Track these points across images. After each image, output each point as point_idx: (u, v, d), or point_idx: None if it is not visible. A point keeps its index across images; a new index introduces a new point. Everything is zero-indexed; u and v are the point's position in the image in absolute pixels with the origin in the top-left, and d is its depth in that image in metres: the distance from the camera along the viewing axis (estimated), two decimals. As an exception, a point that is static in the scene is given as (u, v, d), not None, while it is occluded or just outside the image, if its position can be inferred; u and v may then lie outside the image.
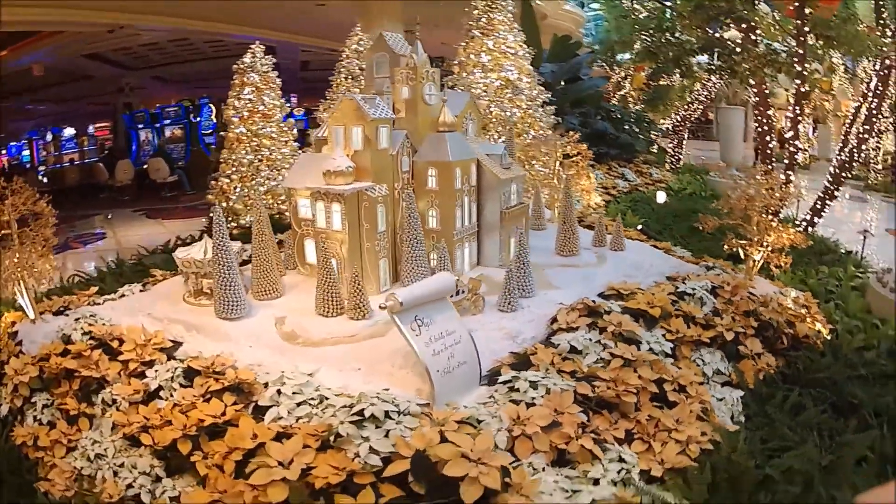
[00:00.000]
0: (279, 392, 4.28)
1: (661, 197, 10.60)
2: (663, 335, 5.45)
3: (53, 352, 5.11)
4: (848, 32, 7.03)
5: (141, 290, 6.71)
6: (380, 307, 4.51)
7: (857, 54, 7.74)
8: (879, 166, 17.95)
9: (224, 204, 9.70)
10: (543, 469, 3.80)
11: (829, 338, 6.30)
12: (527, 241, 6.13)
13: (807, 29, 6.77)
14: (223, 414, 4.10)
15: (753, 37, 7.73)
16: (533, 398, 4.31)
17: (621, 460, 3.92)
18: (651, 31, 12.00)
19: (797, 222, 9.10)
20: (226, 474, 3.70)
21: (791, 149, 8.06)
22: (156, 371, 4.77)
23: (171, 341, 5.17)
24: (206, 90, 23.70)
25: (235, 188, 9.71)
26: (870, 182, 17.25)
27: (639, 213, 10.45)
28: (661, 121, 16.92)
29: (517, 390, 4.40)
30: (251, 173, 9.73)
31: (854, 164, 8.48)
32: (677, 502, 3.58)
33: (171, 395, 4.52)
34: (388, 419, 3.94)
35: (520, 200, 6.99)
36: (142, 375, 4.81)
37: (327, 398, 4.24)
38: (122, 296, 6.56)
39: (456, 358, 4.58)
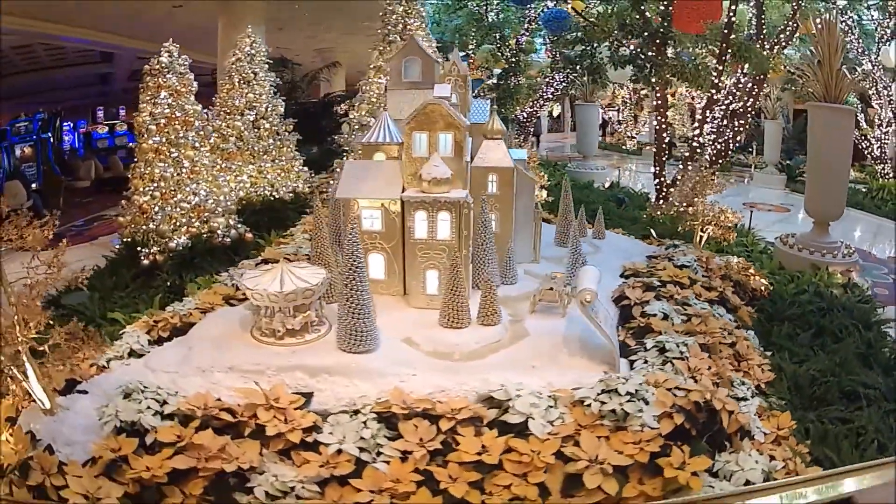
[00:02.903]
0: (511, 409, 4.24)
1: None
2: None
3: (121, 452, 3.95)
4: (758, 53, 8.83)
5: (151, 342, 5.61)
6: (583, 302, 4.71)
7: (760, 71, 9.63)
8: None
9: (145, 226, 8.32)
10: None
11: (772, 289, 7.88)
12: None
13: (728, 49, 8.47)
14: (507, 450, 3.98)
15: (664, 50, 9.17)
16: (682, 351, 5.17)
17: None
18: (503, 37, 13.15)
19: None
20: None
21: (696, 146, 9.72)
22: (330, 433, 4.13)
23: (300, 394, 4.51)
24: (44, 104, 19.19)
25: (156, 207, 8.37)
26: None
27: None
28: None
29: (666, 349, 5.19)
30: (172, 189, 8.48)
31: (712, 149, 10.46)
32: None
33: (376, 458, 3.98)
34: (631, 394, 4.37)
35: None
36: (304, 446, 4.10)
37: (557, 397, 4.44)
38: (132, 353, 5.39)
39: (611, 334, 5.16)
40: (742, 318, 6.85)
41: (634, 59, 9.20)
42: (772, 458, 4.35)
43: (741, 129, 9.89)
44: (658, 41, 9.05)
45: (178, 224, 8.53)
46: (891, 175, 14.96)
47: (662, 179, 10.81)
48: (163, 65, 8.36)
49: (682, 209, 8.56)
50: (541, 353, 5.10)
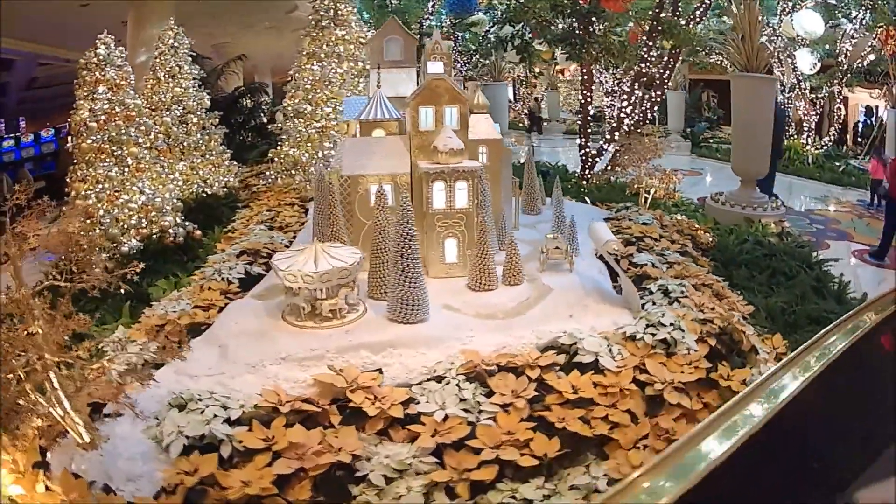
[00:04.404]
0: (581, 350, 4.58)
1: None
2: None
3: (201, 473, 3.53)
4: (686, 31, 9.66)
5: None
6: (609, 252, 5.10)
7: (685, 45, 10.46)
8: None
9: (92, 232, 7.71)
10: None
11: (716, 241, 8.77)
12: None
13: (658, 27, 9.28)
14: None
15: (593, 29, 9.80)
16: (682, 291, 5.73)
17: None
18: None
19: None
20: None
21: (623, 116, 10.52)
22: (427, 402, 4.12)
23: (374, 371, 4.47)
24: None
25: (101, 210, 7.79)
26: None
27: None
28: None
29: (670, 292, 5.71)
30: (116, 189, 7.92)
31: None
32: None
33: (479, 417, 4.04)
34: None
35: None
36: (403, 422, 4.05)
37: (608, 336, 4.85)
38: (147, 363, 4.74)
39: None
40: (704, 266, 7.61)
41: (566, 38, 9.78)
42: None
43: (657, 99, 10.78)
44: (587, 20, 9.68)
45: (126, 226, 8.00)
46: (795, 136, 16.74)
47: (588, 150, 11.51)
48: (100, 57, 7.78)
49: (625, 174, 9.27)
50: (570, 303, 5.44)
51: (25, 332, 3.42)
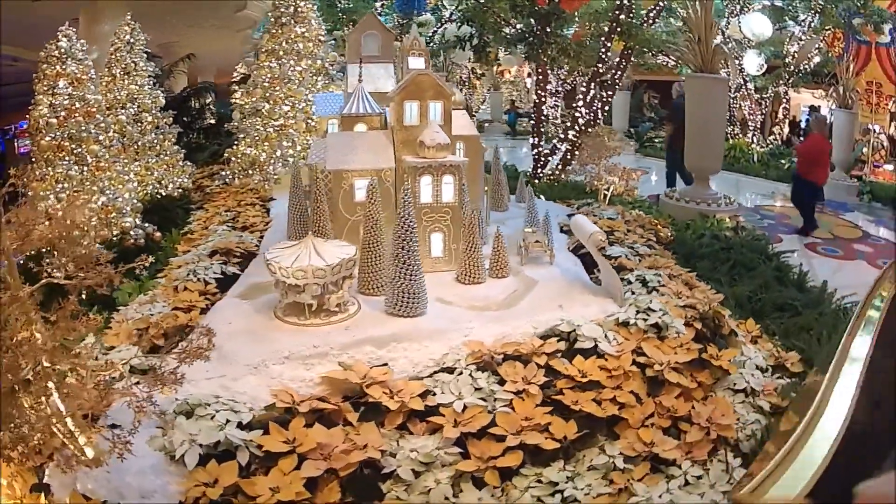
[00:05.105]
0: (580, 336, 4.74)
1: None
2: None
3: (224, 483, 3.44)
4: (645, 32, 9.99)
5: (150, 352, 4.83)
6: (596, 242, 5.29)
7: (642, 47, 10.78)
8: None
9: (50, 234, 7.33)
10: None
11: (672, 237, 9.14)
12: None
13: (618, 28, 9.60)
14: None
15: (550, 29, 10.03)
16: (659, 281, 6.01)
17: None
18: None
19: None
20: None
21: (577, 116, 10.82)
22: (440, 391, 4.16)
23: (379, 366, 4.44)
24: None
25: (60, 212, 7.41)
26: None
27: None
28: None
29: (647, 282, 6.00)
30: (76, 189, 7.57)
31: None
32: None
33: (495, 405, 4.11)
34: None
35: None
36: (420, 415, 4.08)
37: (601, 323, 5.03)
38: (134, 370, 4.45)
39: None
40: (667, 258, 7.90)
41: (524, 38, 9.99)
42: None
43: (609, 99, 11.14)
44: (546, 21, 9.91)
45: (85, 228, 7.64)
46: (740, 135, 17.48)
47: (540, 150, 11.78)
48: (62, 51, 7.41)
49: (581, 171, 9.57)
50: (558, 294, 5.58)
51: (20, 336, 3.12)
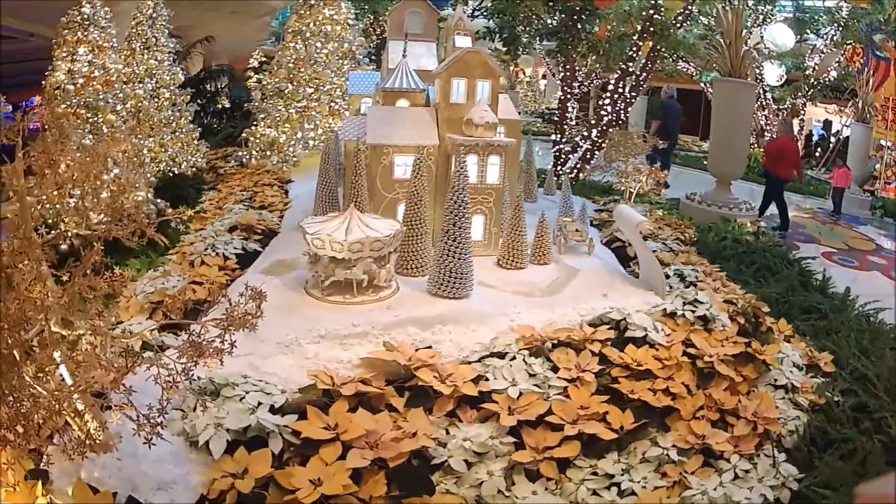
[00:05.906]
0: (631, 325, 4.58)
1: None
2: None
3: (255, 474, 3.05)
4: (675, 35, 9.88)
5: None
6: (643, 231, 5.14)
7: (673, 49, 10.65)
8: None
9: (59, 205, 7.09)
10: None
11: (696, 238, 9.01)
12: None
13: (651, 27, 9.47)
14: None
15: (582, 26, 9.90)
16: (696, 276, 6.01)
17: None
18: None
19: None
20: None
21: (603, 114, 10.70)
22: (492, 376, 3.94)
23: (424, 348, 4.23)
24: None
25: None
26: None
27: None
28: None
29: (685, 276, 6.01)
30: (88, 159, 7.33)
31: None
32: None
33: (549, 390, 3.95)
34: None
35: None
36: (472, 401, 3.84)
37: (651, 313, 4.88)
38: (146, 346, 3.98)
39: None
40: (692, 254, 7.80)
41: (557, 32, 9.84)
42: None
43: (633, 100, 11.02)
44: (578, 16, 9.79)
45: (95, 199, 7.41)
46: (755, 145, 17.32)
47: (562, 147, 11.64)
48: (84, 16, 7.18)
49: (608, 169, 9.46)
50: (600, 283, 5.44)
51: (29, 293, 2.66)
